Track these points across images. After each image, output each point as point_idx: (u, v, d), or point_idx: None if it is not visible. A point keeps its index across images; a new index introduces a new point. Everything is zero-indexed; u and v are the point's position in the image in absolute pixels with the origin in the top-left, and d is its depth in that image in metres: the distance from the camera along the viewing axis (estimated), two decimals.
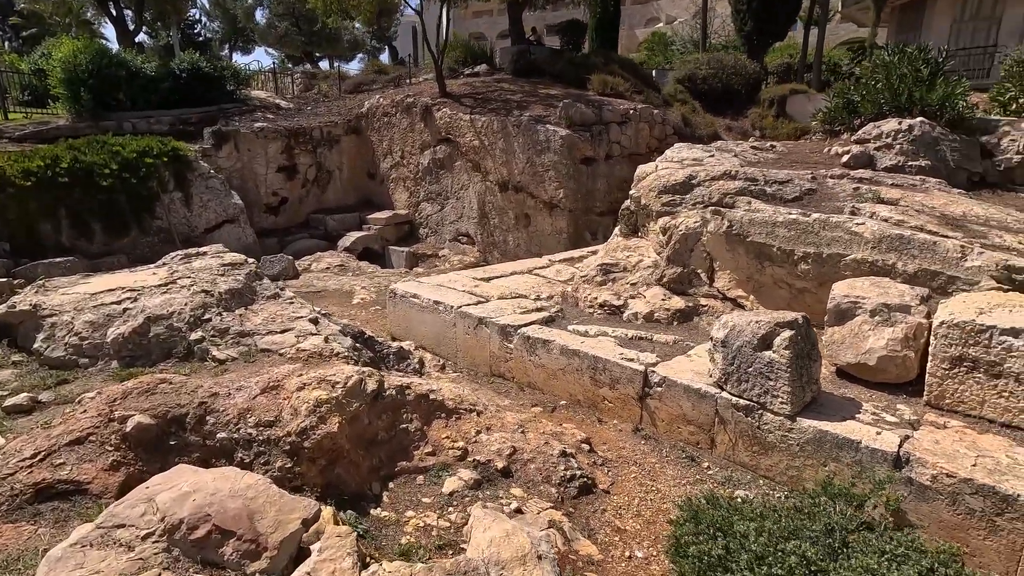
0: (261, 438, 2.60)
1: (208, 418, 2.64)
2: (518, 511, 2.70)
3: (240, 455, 2.57)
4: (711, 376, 3.46)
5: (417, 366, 4.68)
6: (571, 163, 9.20)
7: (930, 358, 3.12)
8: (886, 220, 4.02)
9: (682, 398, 3.52)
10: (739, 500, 2.52)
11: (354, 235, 11.95)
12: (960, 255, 3.54)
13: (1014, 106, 6.53)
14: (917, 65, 6.48)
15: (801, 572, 1.84)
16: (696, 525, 2.38)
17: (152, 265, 4.88)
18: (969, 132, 6.29)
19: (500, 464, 3.03)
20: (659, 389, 3.65)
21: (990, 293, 3.28)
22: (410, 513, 2.63)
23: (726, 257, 4.65)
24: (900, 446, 2.74)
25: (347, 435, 2.73)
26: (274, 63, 21.59)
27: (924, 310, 3.31)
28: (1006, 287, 3.36)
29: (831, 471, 2.91)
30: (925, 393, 3.16)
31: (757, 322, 3.17)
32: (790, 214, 4.32)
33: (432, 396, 3.32)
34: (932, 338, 3.11)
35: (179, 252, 5.08)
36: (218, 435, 2.60)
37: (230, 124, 11.82)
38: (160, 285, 4.11)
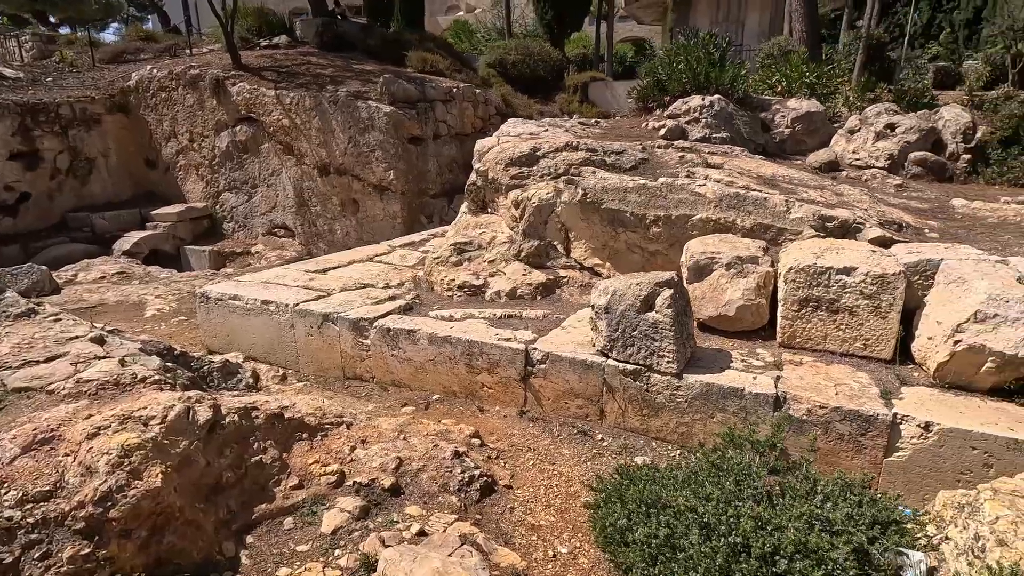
0: (31, 520, 1.74)
1: None
2: (421, 533, 2.24)
3: None
4: (595, 345, 3.34)
5: (251, 381, 3.84)
6: (399, 142, 8.61)
7: (780, 303, 3.38)
8: (718, 182, 4.33)
9: (568, 372, 3.36)
10: (660, 470, 2.39)
11: (136, 235, 9.83)
12: (785, 208, 3.93)
13: (779, 88, 7.70)
14: (709, 49, 7.26)
15: (756, 532, 1.73)
16: (623, 506, 2.19)
17: None
18: (752, 109, 7.25)
19: (387, 481, 2.52)
20: (543, 366, 3.44)
21: (815, 240, 3.67)
22: (284, 571, 2.01)
23: (581, 227, 4.63)
24: (776, 387, 2.89)
25: (177, 487, 1.98)
26: None
27: (768, 260, 3.59)
28: (822, 234, 3.80)
29: (719, 421, 2.98)
30: (779, 335, 3.42)
31: (638, 284, 3.11)
32: (640, 180, 4.43)
33: (287, 415, 2.65)
34: (781, 283, 3.36)
35: None
36: None
37: None
38: None
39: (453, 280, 4.82)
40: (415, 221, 8.95)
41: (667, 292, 3.06)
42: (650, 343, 3.08)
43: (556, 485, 2.84)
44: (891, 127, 6.39)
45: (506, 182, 5.14)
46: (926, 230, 4.05)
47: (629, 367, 3.17)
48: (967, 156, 6.26)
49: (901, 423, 2.60)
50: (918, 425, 2.56)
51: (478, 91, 10.67)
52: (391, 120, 8.49)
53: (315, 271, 5.49)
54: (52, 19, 18.22)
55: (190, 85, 10.26)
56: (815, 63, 7.92)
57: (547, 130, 6.54)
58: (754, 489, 2.01)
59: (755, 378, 2.99)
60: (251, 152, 9.95)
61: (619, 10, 23.65)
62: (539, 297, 4.61)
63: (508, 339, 3.63)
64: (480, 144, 5.87)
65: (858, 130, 6.67)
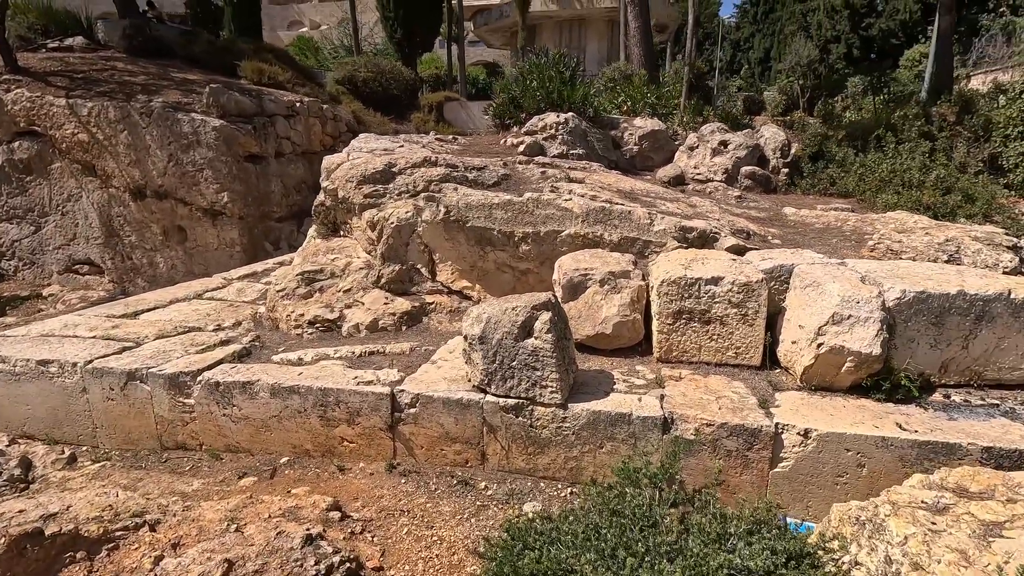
0: None
1: None
2: None
3: None
4: (470, 380, 2.96)
5: (18, 472, 2.88)
6: (232, 160, 7.57)
7: (655, 316, 3.29)
8: (583, 196, 4.24)
9: (442, 414, 2.93)
10: (554, 520, 2.06)
11: None
12: (649, 221, 3.92)
13: (624, 108, 8.10)
14: (560, 68, 7.40)
15: None
16: None
17: None
18: (603, 127, 7.50)
19: None
20: (413, 411, 2.97)
21: (679, 251, 3.68)
22: None
23: (446, 247, 4.26)
24: (662, 407, 2.74)
25: None
26: None
27: (640, 273, 3.51)
28: (684, 245, 3.84)
29: (609, 451, 2.75)
30: (656, 350, 3.33)
31: (514, 309, 2.80)
32: (505, 195, 4.19)
33: (51, 528, 1.89)
34: (655, 297, 3.28)
35: None
36: None
37: None
38: None
39: (302, 315, 4.15)
40: (258, 249, 7.92)
41: (546, 316, 2.79)
42: (531, 373, 2.78)
43: (437, 556, 2.39)
44: (724, 144, 6.95)
45: (359, 201, 4.60)
46: (769, 237, 4.31)
47: (511, 402, 2.83)
48: (786, 170, 7.01)
49: (783, 432, 2.57)
50: (798, 433, 2.54)
51: (326, 106, 9.89)
52: (221, 135, 7.44)
53: (122, 315, 4.45)
54: None
55: None
56: (655, 85, 8.49)
57: (403, 146, 6.11)
58: (663, 540, 1.76)
59: (640, 399, 2.82)
60: (36, 173, 8.14)
61: (469, 33, 24.04)
62: (404, 328, 4.14)
63: (370, 381, 3.11)
64: (328, 160, 5.27)
65: (696, 147, 7.17)
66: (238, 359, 3.58)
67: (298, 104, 9.16)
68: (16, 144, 8.14)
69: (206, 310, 4.66)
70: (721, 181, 6.58)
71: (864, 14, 29.86)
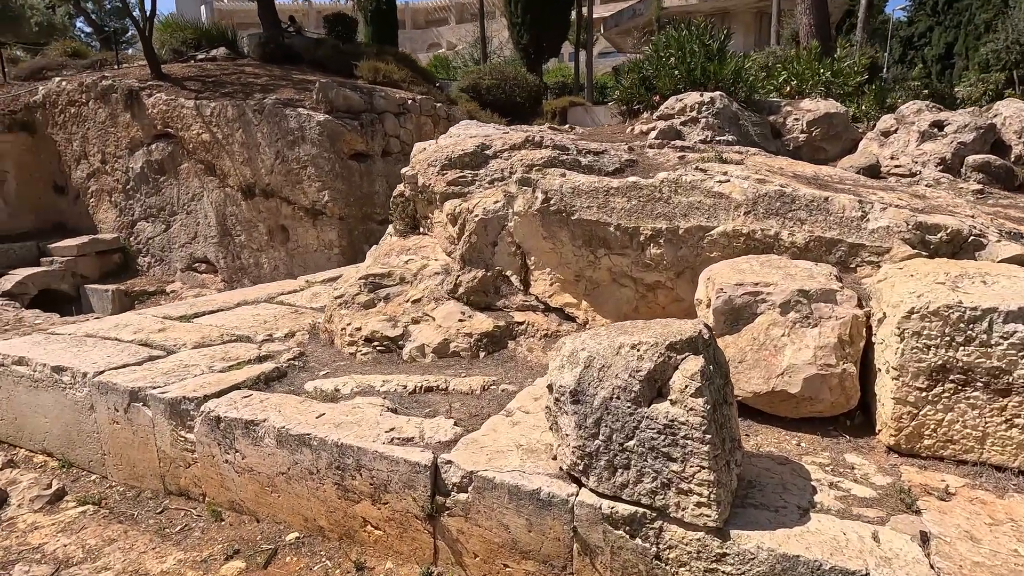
0: None
1: None
2: None
3: None
4: (555, 457, 1.80)
5: None
6: (335, 157, 7.16)
7: (888, 372, 1.88)
8: (744, 178, 2.89)
9: (508, 510, 1.79)
10: None
11: (22, 272, 8.17)
12: (860, 214, 2.48)
13: (787, 89, 6.45)
14: (705, 40, 6.01)
15: None
16: None
17: None
18: (758, 110, 5.97)
19: None
20: (463, 496, 1.87)
21: (920, 262, 2.21)
22: None
23: (544, 248, 3.14)
24: (931, 567, 1.35)
25: None
26: None
27: (852, 295, 2.10)
28: (924, 252, 2.34)
29: None
30: (885, 429, 1.91)
31: (635, 347, 1.60)
32: (630, 177, 2.99)
33: None
34: (890, 337, 1.87)
35: None
36: None
37: None
38: None
39: (359, 329, 3.27)
40: (357, 252, 7.42)
41: (692, 363, 1.55)
42: (662, 464, 1.55)
43: None
44: (938, 125, 5.08)
45: (441, 189, 3.66)
46: None
47: (622, 510, 1.62)
48: None
49: None
50: None
51: (439, 105, 9.35)
52: (325, 130, 7.05)
53: (178, 317, 3.91)
54: None
55: (102, 98, 8.81)
56: (829, 59, 6.73)
57: (507, 133, 5.14)
58: None
59: (877, 538, 1.45)
60: (169, 173, 8.44)
61: (598, 37, 23.02)
62: (483, 354, 3.08)
63: (408, 439, 2.07)
64: (417, 146, 4.43)
65: (894, 131, 5.36)
66: (265, 383, 2.75)
67: (409, 101, 8.67)
68: (154, 146, 8.52)
69: (267, 316, 3.99)
70: (938, 174, 4.75)
71: None
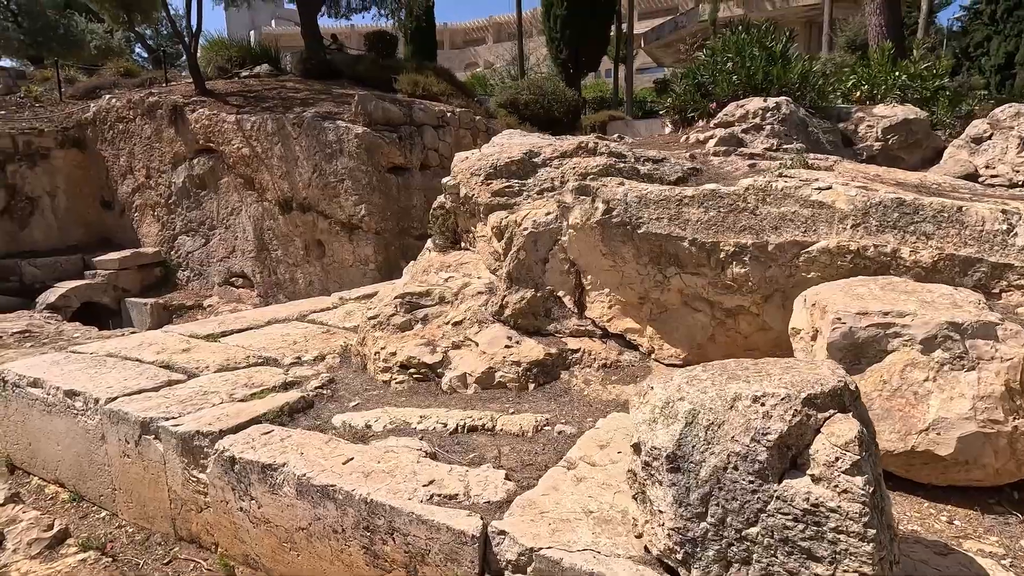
0: None
1: None
2: None
3: None
4: (640, 535, 1.40)
5: None
6: (373, 170, 6.97)
7: None
8: (845, 185, 2.45)
9: None
10: None
11: (66, 286, 8.24)
12: (1005, 227, 2.01)
13: (856, 94, 5.93)
14: (766, 42, 5.57)
15: None
16: None
17: None
18: (826, 117, 5.47)
19: None
20: None
21: None
22: None
23: (603, 267, 2.76)
24: None
25: None
26: None
27: (1019, 331, 1.64)
28: None
29: None
30: None
31: (756, 400, 1.19)
32: (709, 185, 2.59)
33: None
34: None
35: None
36: None
37: None
38: None
39: (393, 354, 2.94)
40: (393, 268, 7.18)
41: (844, 427, 1.14)
42: (800, 564, 1.13)
43: None
44: None
45: (485, 200, 3.33)
46: None
47: None
48: None
49: None
50: None
51: (478, 118, 9.13)
52: (363, 143, 6.88)
53: (203, 337, 3.67)
54: (47, 60, 17.59)
55: (148, 114, 8.93)
56: (904, 61, 6.18)
57: (552, 143, 4.81)
58: None
59: None
60: (209, 188, 8.44)
61: (638, 51, 22.68)
62: (532, 385, 2.70)
63: (451, 497, 1.70)
64: (459, 155, 4.13)
65: (987, 137, 4.79)
66: (289, 415, 2.44)
67: (448, 114, 8.47)
68: (196, 160, 8.55)
69: (296, 336, 3.72)
70: None
71: None
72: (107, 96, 9.64)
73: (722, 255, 2.43)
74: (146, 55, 21.06)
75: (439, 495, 1.72)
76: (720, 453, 1.20)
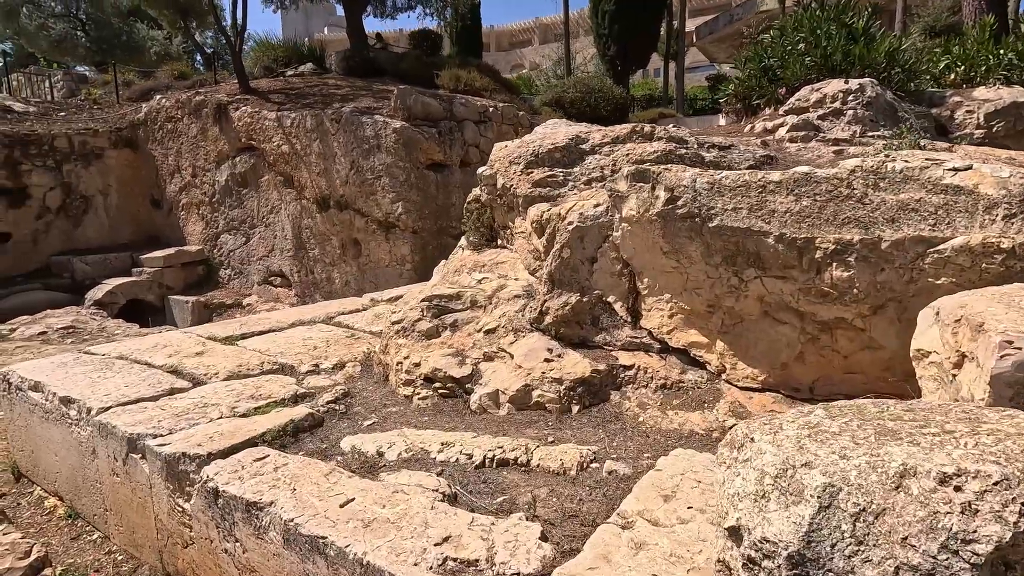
0: None
1: None
2: None
3: None
4: None
5: None
6: (411, 167, 6.69)
7: None
8: (990, 166, 1.91)
9: None
10: None
11: (113, 283, 8.34)
12: None
13: (951, 77, 5.20)
14: (845, 19, 4.94)
15: None
16: None
17: None
18: (916, 101, 4.80)
19: None
20: None
21: None
22: None
23: (663, 267, 2.30)
24: None
25: None
26: (33, 65, 16.83)
27: None
28: None
29: None
30: None
31: (945, 481, 0.73)
32: (802, 168, 2.11)
33: None
34: None
35: None
36: None
37: None
38: None
39: (417, 365, 2.58)
40: (430, 268, 6.86)
41: None
42: None
43: None
44: None
45: (525, 192, 2.92)
46: None
47: None
48: None
49: None
50: None
51: (521, 113, 8.75)
52: (401, 138, 6.61)
53: (221, 339, 3.41)
54: (108, 65, 18.32)
55: (194, 113, 8.98)
56: (1009, 38, 5.40)
57: (601, 130, 4.37)
58: None
59: None
60: (250, 186, 8.38)
61: (689, 47, 21.80)
62: (576, 407, 2.28)
63: (469, 562, 1.30)
64: (498, 145, 3.75)
65: None
66: (292, 435, 2.10)
67: (491, 109, 8.13)
68: (238, 158, 8.52)
69: (319, 340, 3.42)
70: None
71: None
72: (158, 96, 9.80)
73: (818, 254, 1.93)
74: (202, 61, 21.85)
75: (454, 560, 1.32)
76: (882, 563, 0.75)
